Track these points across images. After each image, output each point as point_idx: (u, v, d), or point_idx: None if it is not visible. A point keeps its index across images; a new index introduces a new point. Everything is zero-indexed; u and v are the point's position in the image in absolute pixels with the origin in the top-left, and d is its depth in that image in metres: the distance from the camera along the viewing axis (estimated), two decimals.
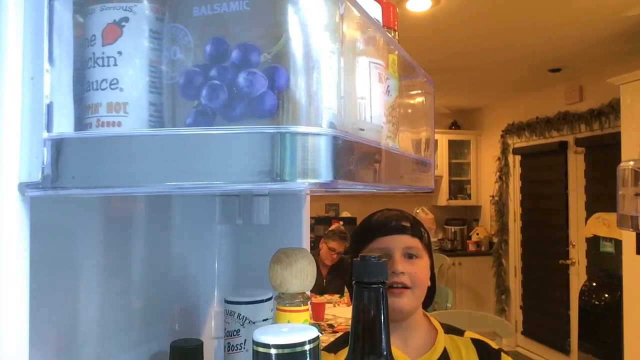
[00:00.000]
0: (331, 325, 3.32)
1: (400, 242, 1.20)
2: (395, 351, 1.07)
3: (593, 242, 4.22)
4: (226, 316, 0.75)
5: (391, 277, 1.16)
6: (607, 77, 3.70)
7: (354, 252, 1.30)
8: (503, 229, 5.91)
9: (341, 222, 5.48)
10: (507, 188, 5.88)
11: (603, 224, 4.05)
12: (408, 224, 1.22)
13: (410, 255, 1.20)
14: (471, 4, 3.12)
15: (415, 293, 1.19)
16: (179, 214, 0.90)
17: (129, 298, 0.80)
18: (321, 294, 3.99)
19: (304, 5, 0.41)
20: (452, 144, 6.50)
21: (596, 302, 3.98)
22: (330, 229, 4.48)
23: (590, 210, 4.46)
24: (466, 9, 3.20)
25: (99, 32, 0.44)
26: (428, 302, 1.29)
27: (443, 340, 1.22)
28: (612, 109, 4.15)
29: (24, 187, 0.42)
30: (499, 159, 5.92)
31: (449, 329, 1.27)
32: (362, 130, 0.52)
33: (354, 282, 0.61)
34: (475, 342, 1.24)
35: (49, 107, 0.43)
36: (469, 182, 6.58)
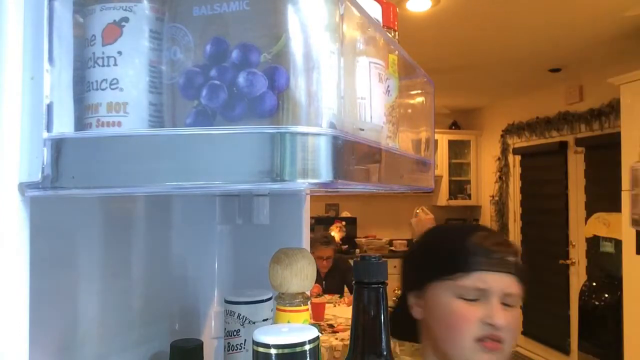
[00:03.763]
0: (331, 325, 3.32)
1: (502, 284, 0.95)
2: None
3: (593, 242, 4.22)
4: (226, 316, 0.75)
5: (487, 328, 0.92)
6: (607, 77, 3.69)
7: (430, 274, 0.99)
8: (503, 229, 5.90)
9: (343, 223, 5.46)
10: (507, 188, 5.88)
11: (603, 224, 4.05)
12: (513, 259, 0.98)
13: (507, 303, 0.95)
14: (471, 4, 3.12)
15: (506, 351, 0.95)
16: (179, 214, 0.90)
17: (129, 298, 0.80)
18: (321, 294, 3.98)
19: (304, 5, 0.41)
20: (452, 144, 6.50)
21: (596, 302, 3.98)
22: (311, 236, 4.43)
23: (590, 210, 4.46)
24: (466, 9, 3.20)
25: (99, 32, 0.44)
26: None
27: None
28: (612, 109, 4.15)
29: (24, 187, 0.42)
30: (499, 159, 5.92)
31: None
32: (362, 130, 0.52)
33: (354, 282, 0.62)
34: None
35: (49, 107, 0.43)
36: (469, 182, 6.58)
